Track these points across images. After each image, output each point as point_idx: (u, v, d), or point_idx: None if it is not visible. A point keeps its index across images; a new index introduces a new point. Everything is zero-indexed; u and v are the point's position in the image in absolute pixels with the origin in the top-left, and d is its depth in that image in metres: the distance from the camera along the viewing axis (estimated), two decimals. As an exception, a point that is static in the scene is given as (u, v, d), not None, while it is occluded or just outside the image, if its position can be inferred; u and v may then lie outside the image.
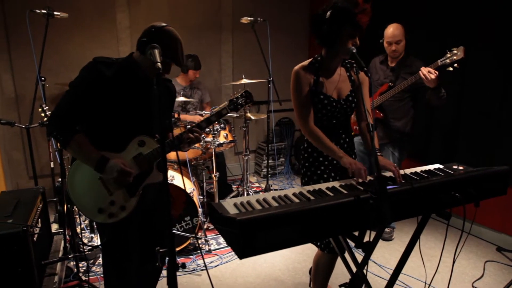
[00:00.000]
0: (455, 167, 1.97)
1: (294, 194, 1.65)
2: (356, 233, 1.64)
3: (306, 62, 1.96)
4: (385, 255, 3.15)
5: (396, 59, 3.10)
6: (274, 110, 4.56)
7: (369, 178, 1.81)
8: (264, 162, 5.12)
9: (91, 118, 1.73)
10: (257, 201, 1.58)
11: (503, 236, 3.28)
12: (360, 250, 1.64)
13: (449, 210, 1.76)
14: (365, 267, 1.73)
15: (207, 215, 3.52)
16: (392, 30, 3.00)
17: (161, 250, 1.36)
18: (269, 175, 4.50)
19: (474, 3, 3.25)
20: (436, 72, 2.58)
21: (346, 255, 1.85)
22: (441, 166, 2.00)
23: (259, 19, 3.82)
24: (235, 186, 4.51)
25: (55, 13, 3.14)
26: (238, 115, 3.79)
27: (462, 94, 3.45)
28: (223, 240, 3.43)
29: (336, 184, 1.77)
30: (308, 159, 2.05)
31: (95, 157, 1.67)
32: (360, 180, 1.78)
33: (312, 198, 1.59)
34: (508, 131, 3.15)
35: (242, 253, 1.34)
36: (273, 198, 1.62)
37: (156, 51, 1.34)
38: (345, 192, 1.67)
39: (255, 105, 5.19)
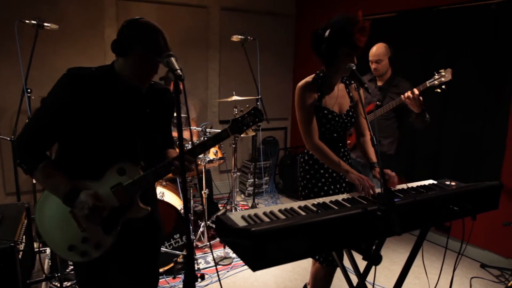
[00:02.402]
0: (447, 182, 2.04)
1: (299, 207, 1.65)
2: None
3: (309, 78, 2.01)
4: (373, 272, 3.16)
5: (382, 78, 3.20)
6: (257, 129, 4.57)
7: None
8: (249, 180, 5.10)
9: (65, 139, 1.51)
10: (264, 213, 1.58)
11: (487, 253, 3.37)
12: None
13: (448, 224, 1.80)
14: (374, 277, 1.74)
15: (196, 233, 3.45)
16: (375, 50, 3.11)
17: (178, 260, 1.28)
18: (253, 194, 4.47)
19: (457, 27, 3.43)
20: (420, 96, 2.66)
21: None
22: (435, 182, 2.06)
23: (249, 37, 3.88)
24: (221, 205, 4.45)
25: (45, 24, 3.08)
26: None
27: (445, 115, 3.59)
28: (211, 259, 3.36)
29: (339, 197, 1.78)
30: (309, 172, 2.07)
31: (63, 189, 1.44)
32: (364, 194, 1.80)
33: (319, 211, 1.60)
34: (487, 151, 3.30)
35: (255, 265, 1.31)
36: (280, 211, 1.61)
37: (173, 59, 1.30)
38: (348, 205, 1.68)
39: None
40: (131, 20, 1.48)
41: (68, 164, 1.52)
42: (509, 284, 2.77)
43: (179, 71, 1.22)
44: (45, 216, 1.54)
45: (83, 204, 1.42)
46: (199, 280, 2.57)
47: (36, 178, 1.49)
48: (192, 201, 3.68)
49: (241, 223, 1.47)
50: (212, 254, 1.75)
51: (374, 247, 1.70)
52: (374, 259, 1.52)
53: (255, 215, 1.55)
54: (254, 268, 1.32)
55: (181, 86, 1.28)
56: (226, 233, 1.46)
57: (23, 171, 1.50)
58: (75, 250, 1.51)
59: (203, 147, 1.59)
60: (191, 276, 1.11)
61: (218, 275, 1.51)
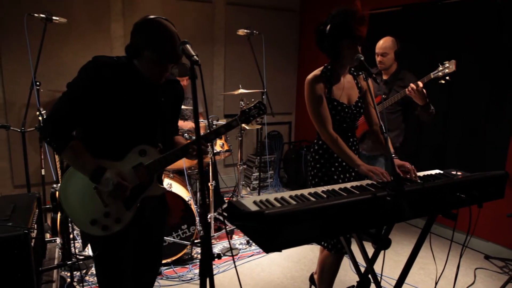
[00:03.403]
0: (454, 172, 2.06)
1: (309, 194, 1.68)
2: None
3: (318, 72, 2.04)
4: (378, 261, 3.20)
5: (387, 72, 3.22)
6: (263, 123, 4.61)
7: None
8: (253, 174, 5.14)
9: (89, 122, 1.62)
10: (275, 199, 1.61)
11: (490, 245, 3.40)
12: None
13: (455, 212, 1.83)
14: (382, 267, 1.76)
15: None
16: (381, 43, 3.13)
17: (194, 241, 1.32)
18: (259, 188, 4.51)
19: (461, 20, 3.45)
20: (423, 88, 2.67)
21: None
22: (442, 172, 2.09)
23: (255, 31, 3.90)
24: (226, 198, 4.49)
25: (54, 17, 3.11)
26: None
27: (449, 108, 3.61)
28: (218, 249, 3.40)
29: (347, 185, 1.81)
30: (319, 161, 2.10)
31: (91, 166, 1.56)
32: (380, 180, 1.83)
33: (328, 197, 1.63)
34: (492, 143, 3.32)
35: (269, 247, 1.34)
36: (290, 197, 1.65)
37: (188, 46, 1.34)
38: (357, 192, 1.71)
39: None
40: (143, 21, 1.59)
41: (90, 145, 1.61)
42: (514, 274, 2.81)
43: (195, 57, 1.26)
44: (70, 192, 1.65)
45: (108, 181, 1.54)
46: (216, 259, 2.62)
47: (65, 156, 1.60)
48: (198, 194, 3.72)
49: (253, 208, 1.50)
50: (229, 240, 1.80)
51: (384, 232, 1.74)
52: (383, 243, 1.55)
53: (267, 200, 1.58)
54: (268, 250, 1.35)
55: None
56: (238, 217, 1.49)
57: (53, 149, 1.62)
58: (97, 224, 1.63)
59: (217, 133, 1.76)
60: (208, 255, 1.14)
61: (234, 262, 1.56)
